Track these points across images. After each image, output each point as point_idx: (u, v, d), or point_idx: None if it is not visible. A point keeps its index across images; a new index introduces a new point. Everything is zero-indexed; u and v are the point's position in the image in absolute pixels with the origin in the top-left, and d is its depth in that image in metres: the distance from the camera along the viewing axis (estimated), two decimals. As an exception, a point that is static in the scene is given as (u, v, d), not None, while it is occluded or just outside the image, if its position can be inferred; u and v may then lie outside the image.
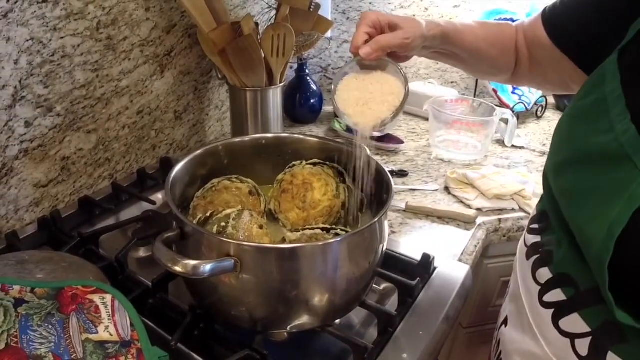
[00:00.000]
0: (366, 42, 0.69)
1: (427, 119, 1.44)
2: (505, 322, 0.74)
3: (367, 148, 0.82)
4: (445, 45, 0.76)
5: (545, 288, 0.62)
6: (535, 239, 0.69)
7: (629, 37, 0.57)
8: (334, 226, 0.71)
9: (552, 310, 0.60)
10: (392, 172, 1.19)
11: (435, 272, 0.84)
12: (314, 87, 1.48)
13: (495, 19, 1.48)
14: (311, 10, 1.16)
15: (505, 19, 1.46)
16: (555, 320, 0.59)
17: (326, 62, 1.65)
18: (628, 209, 0.49)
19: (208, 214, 0.72)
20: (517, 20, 1.15)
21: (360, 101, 0.70)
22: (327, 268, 0.62)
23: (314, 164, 0.82)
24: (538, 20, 0.75)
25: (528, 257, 0.68)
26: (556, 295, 0.60)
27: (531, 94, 1.55)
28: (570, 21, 0.70)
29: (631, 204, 0.49)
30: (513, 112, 1.43)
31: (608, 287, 0.50)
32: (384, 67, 0.72)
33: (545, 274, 0.63)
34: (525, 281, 0.68)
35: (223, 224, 0.68)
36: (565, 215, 0.60)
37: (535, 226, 0.70)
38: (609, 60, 0.57)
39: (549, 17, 0.74)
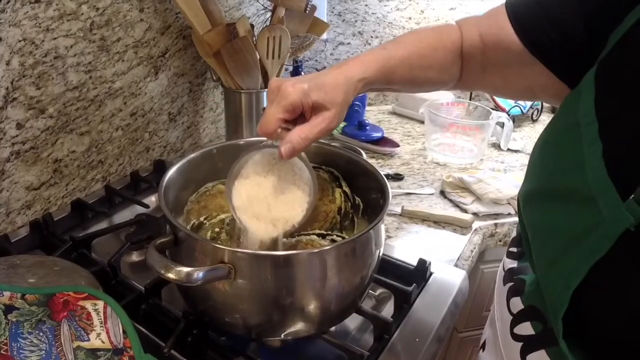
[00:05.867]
0: (283, 128, 0.57)
1: (422, 122, 1.43)
2: (483, 346, 0.72)
3: (362, 152, 0.82)
4: (376, 86, 0.66)
5: (517, 319, 0.58)
6: (512, 264, 0.64)
7: (609, 47, 0.50)
8: (329, 232, 0.70)
9: (521, 344, 0.56)
10: (387, 175, 1.19)
11: (432, 277, 0.84)
12: (309, 89, 1.47)
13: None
14: (307, 12, 1.15)
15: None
16: (523, 354, 0.55)
17: (322, 64, 1.64)
18: (586, 261, 0.44)
19: (202, 219, 0.72)
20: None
21: (254, 209, 0.62)
22: (322, 275, 0.61)
23: (310, 168, 0.81)
24: (501, 19, 0.62)
25: (504, 282, 0.64)
26: (525, 328, 0.56)
27: (527, 98, 1.56)
28: (548, 22, 0.58)
29: (590, 257, 0.44)
30: (509, 115, 1.43)
31: (563, 336, 0.47)
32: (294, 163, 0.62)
33: (517, 304, 0.58)
34: (500, 308, 0.64)
35: (217, 229, 0.68)
36: (531, 248, 0.56)
37: (514, 249, 0.66)
38: (588, 74, 0.51)
39: (519, 15, 0.61)
